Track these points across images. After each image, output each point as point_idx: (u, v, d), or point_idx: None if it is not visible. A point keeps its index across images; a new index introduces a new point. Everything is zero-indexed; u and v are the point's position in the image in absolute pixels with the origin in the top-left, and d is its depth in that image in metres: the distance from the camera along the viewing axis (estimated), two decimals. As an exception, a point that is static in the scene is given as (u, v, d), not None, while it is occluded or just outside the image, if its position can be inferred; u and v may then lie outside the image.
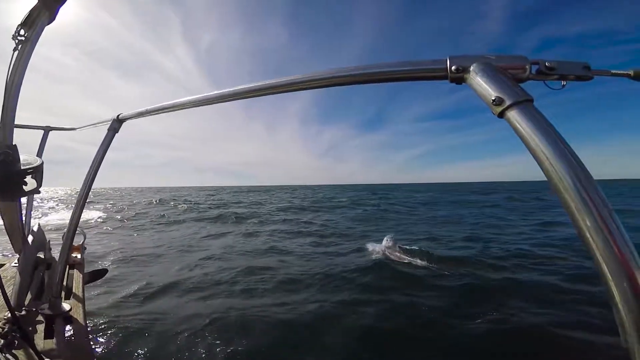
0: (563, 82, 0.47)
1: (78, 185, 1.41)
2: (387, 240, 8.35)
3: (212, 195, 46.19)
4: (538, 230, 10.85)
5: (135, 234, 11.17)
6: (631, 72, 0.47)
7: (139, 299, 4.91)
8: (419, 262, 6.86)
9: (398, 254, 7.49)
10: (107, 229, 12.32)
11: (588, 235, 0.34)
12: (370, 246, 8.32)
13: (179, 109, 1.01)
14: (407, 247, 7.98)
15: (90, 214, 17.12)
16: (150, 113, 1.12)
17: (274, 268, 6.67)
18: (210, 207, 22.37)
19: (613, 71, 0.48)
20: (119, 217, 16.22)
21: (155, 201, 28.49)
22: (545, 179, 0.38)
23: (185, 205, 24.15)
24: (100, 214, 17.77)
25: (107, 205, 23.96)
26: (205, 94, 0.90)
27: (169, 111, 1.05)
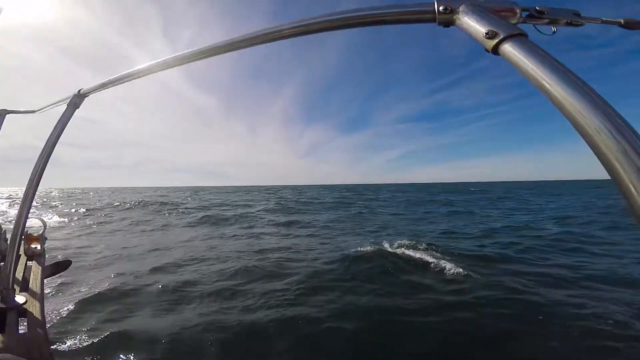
0: (553, 28, 0.47)
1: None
2: (398, 239, 8.33)
3: (190, 196, 44.15)
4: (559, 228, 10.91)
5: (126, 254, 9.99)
6: (622, 21, 0.48)
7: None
8: (447, 263, 6.53)
9: (415, 252, 7.40)
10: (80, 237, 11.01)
11: (607, 152, 0.31)
12: (387, 245, 8.08)
13: (145, 75, 0.92)
14: (424, 246, 7.89)
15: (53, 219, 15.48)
16: (115, 83, 1.02)
17: (295, 273, 6.09)
18: (198, 210, 21.05)
19: (604, 19, 0.48)
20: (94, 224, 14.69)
21: (136, 203, 26.43)
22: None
23: (167, 210, 22.58)
24: (63, 220, 16.12)
25: (80, 210, 21.87)
26: (174, 55, 0.81)
27: (135, 78, 0.95)
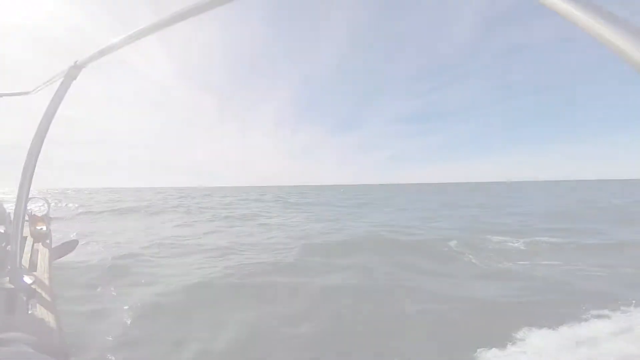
0: None
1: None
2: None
3: (186, 198, 41.36)
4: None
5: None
6: None
7: None
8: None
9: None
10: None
11: (622, 45, 0.33)
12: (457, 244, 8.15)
13: (141, 37, 0.90)
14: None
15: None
16: (113, 49, 0.98)
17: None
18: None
19: None
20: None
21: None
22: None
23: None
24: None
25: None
26: (167, 15, 0.82)
27: (132, 41, 0.92)
